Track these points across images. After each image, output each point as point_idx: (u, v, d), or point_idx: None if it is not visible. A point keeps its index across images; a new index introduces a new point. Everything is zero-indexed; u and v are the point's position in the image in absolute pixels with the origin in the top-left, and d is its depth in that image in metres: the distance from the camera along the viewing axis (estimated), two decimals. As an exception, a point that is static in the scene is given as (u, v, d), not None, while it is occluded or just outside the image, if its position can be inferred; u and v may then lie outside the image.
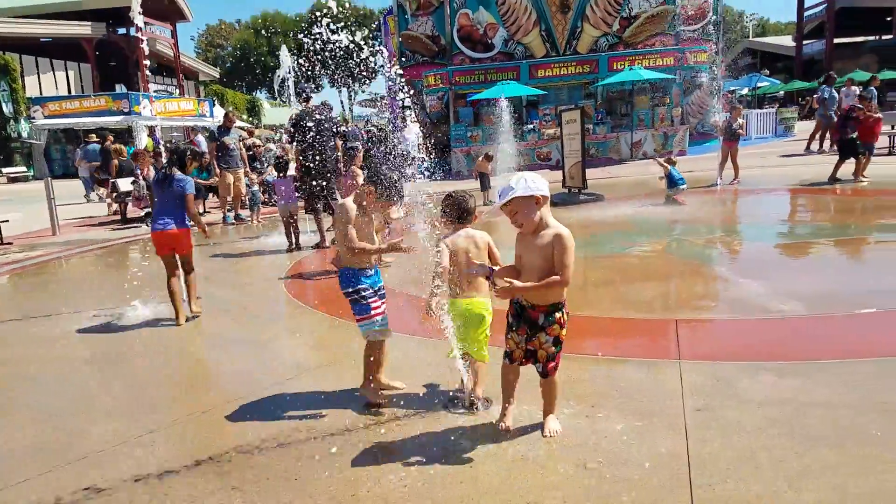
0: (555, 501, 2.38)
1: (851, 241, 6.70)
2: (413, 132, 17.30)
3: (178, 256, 5.32)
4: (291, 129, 8.16)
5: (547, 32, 19.11)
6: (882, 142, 14.61)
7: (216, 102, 34.81)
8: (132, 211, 12.29)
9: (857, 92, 14.03)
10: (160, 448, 3.07)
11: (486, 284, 3.10)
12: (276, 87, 10.29)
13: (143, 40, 15.14)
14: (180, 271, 5.37)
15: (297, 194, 8.40)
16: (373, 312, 3.34)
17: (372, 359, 3.37)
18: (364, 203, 3.29)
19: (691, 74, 18.93)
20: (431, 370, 3.70)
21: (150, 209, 9.43)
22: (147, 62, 24.82)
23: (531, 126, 17.94)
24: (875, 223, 7.53)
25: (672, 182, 9.42)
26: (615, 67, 18.14)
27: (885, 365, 3.34)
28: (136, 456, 3.00)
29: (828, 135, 15.04)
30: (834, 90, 15.21)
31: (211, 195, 13.65)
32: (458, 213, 3.22)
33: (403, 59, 20.11)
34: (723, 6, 20.25)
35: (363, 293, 3.32)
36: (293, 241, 8.39)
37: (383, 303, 3.41)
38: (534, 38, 19.15)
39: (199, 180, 13.29)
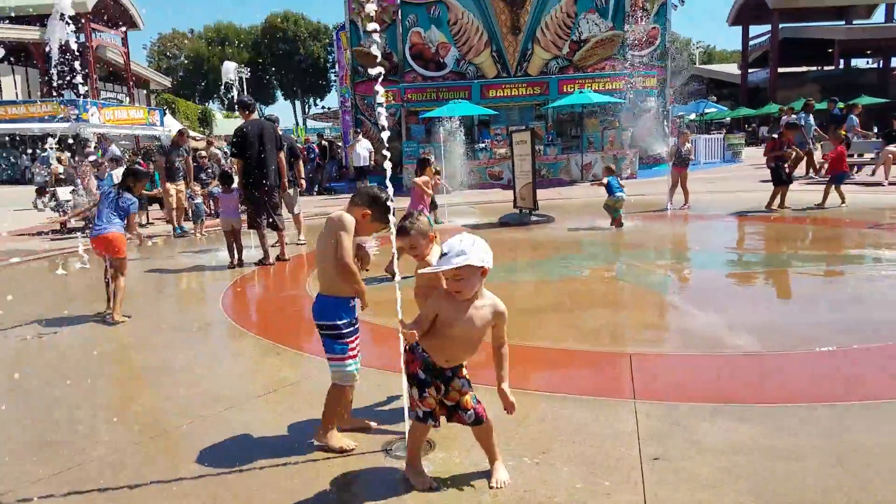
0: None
1: (802, 270, 6.67)
2: (364, 146, 17.03)
3: (108, 259, 5.64)
4: (235, 141, 7.77)
5: (498, 53, 19.17)
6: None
7: (167, 112, 33.76)
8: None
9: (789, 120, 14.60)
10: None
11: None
12: (224, 98, 10.00)
13: (92, 46, 14.51)
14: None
15: (240, 209, 8.06)
16: (348, 354, 2.94)
17: (337, 405, 2.99)
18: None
19: (640, 99, 19.26)
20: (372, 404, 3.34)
21: (88, 220, 9.28)
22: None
23: (483, 145, 17.87)
24: (824, 253, 7.55)
25: (610, 191, 9.35)
26: (565, 90, 18.30)
27: (849, 410, 3.15)
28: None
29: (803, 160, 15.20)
30: (811, 117, 15.60)
31: (153, 207, 13.12)
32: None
33: (357, 74, 19.85)
34: (671, 33, 20.76)
35: (342, 330, 2.91)
36: (235, 256, 8.01)
37: (357, 339, 3.02)
38: (485, 59, 19.18)
39: (145, 191, 12.67)
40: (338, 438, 2.97)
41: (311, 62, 59.78)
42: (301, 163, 9.87)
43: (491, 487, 2.58)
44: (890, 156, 13.20)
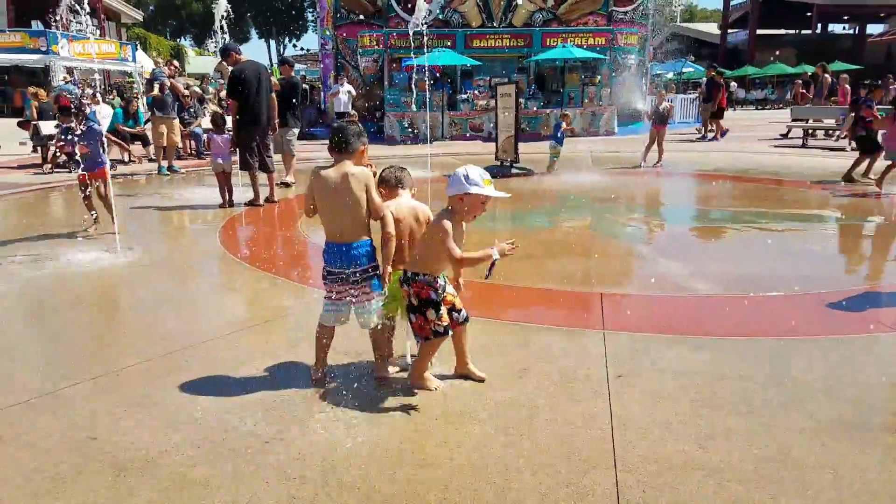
0: (500, 444, 2.54)
1: (763, 226, 7.21)
2: (345, 91, 16.99)
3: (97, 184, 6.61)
4: (232, 83, 7.91)
5: (483, 3, 19.06)
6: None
7: (139, 47, 32.63)
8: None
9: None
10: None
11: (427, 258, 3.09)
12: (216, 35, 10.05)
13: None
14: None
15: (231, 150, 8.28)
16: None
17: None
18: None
19: (621, 56, 19.46)
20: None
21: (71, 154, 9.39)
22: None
23: (465, 96, 17.97)
24: (789, 212, 8.07)
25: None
26: (548, 43, 18.37)
27: (787, 343, 3.69)
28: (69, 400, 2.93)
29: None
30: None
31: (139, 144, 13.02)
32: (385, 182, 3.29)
33: (339, 15, 19.57)
34: (654, -10, 20.81)
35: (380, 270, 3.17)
36: (227, 197, 8.26)
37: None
38: (470, 8, 19.06)
39: (125, 128, 12.62)
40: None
41: (287, 0, 57.85)
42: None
43: (482, 380, 3.19)
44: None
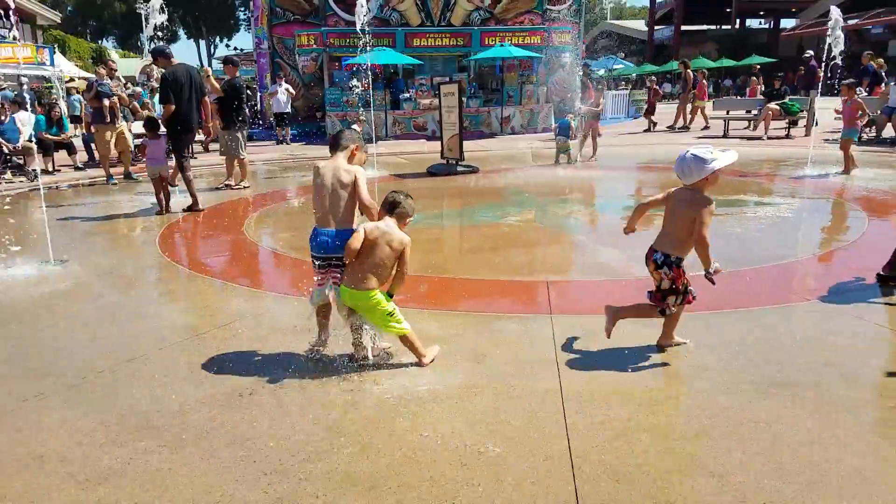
0: (465, 419, 2.78)
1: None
2: (283, 90, 16.86)
3: None
4: (164, 87, 7.81)
5: (422, 2, 19.26)
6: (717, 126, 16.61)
7: (57, 50, 31.16)
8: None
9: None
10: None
11: (374, 278, 3.25)
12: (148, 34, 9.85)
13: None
14: None
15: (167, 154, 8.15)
16: None
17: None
18: None
19: (556, 54, 20.05)
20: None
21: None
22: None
23: (407, 95, 18.14)
24: (723, 198, 8.63)
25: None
26: (487, 42, 18.74)
27: (719, 316, 4.10)
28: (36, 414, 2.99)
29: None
30: None
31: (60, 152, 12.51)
32: (389, 205, 3.37)
33: (275, 14, 19.38)
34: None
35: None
36: (164, 203, 8.08)
37: None
38: (409, 6, 19.23)
39: (48, 136, 12.16)
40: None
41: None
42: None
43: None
44: (770, 112, 14.74)
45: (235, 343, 3.86)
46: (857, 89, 9.97)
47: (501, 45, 17.96)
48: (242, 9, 56.91)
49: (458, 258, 6.13)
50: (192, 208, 8.08)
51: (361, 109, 14.37)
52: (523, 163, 10.86)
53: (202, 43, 62.87)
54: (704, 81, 17.88)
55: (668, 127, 17.63)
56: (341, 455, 2.64)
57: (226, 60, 9.66)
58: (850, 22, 10.31)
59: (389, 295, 3.36)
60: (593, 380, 3.26)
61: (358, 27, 10.28)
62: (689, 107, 17.56)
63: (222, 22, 59.97)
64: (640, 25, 53.44)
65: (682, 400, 3.03)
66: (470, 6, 19.56)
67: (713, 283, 3.31)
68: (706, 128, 17.04)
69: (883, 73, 15.28)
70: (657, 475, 2.43)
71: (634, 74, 39.85)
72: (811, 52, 22.37)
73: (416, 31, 18.96)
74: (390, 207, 3.37)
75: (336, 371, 3.42)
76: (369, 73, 12.88)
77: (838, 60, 9.61)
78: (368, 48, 12.25)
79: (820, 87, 13.77)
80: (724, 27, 50.17)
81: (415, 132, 17.62)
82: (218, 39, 63.82)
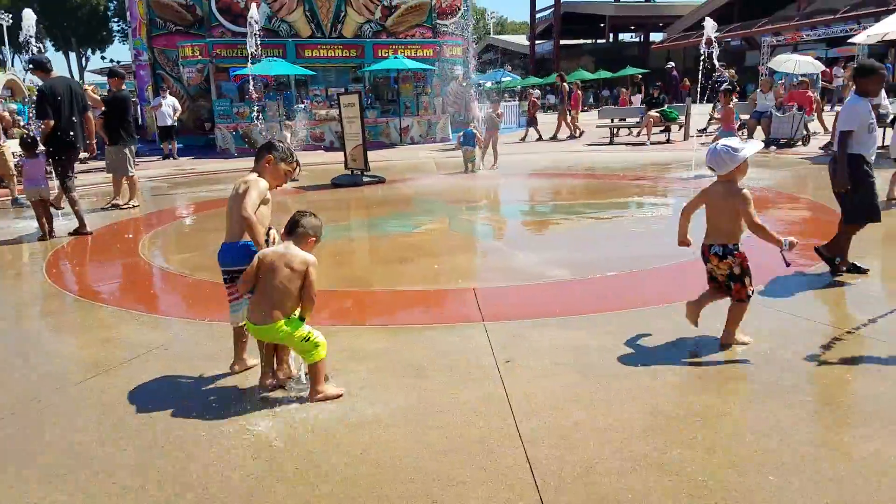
0: (400, 439, 2.67)
1: (592, 215, 8.05)
2: (170, 104, 15.94)
3: None
4: (41, 102, 7.13)
5: (311, 13, 18.95)
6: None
7: None
8: None
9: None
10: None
11: (278, 309, 3.01)
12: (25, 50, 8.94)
13: None
14: None
15: (48, 174, 7.45)
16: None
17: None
18: None
19: (448, 67, 20.40)
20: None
21: None
22: None
23: (302, 106, 17.72)
24: (611, 201, 9.06)
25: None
26: (380, 54, 18.76)
27: (636, 314, 4.24)
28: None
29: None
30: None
31: None
32: (288, 226, 3.16)
33: (155, 25, 18.32)
34: (472, 3, 22.08)
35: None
36: (47, 227, 7.39)
37: None
38: (298, 18, 18.86)
39: None
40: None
41: (88, 9, 52.33)
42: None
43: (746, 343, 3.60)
44: (650, 119, 15.79)
45: (146, 376, 3.52)
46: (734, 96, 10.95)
47: (395, 58, 18.04)
48: (116, 20, 53.32)
49: (380, 269, 5.99)
50: (80, 231, 7.45)
51: (259, 121, 13.88)
52: (428, 172, 10.91)
53: (72, 55, 58.15)
54: (579, 92, 18.90)
55: (550, 138, 18.29)
56: (289, 486, 2.45)
57: (111, 73, 9.05)
58: (714, 35, 11.21)
59: (301, 319, 3.13)
60: (536, 385, 3.24)
61: (250, 38, 9.90)
62: (569, 116, 18.38)
63: (94, 33, 55.79)
64: (521, 40, 55.66)
65: (622, 399, 3.08)
66: (361, 18, 19.50)
67: (788, 263, 3.52)
68: (575, 136, 17.88)
69: (735, 83, 16.86)
70: (610, 475, 2.46)
71: (519, 87, 41.29)
72: (672, 64, 24.31)
73: (309, 43, 18.64)
74: (289, 229, 3.14)
75: (268, 398, 3.20)
76: (258, 83, 12.48)
77: (719, 69, 10.46)
78: (259, 58, 11.88)
79: (695, 94, 14.91)
80: (599, 41, 53.36)
81: (312, 143, 17.23)
82: (90, 52, 59.37)
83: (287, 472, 2.56)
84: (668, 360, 3.48)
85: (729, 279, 3.54)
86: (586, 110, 35.40)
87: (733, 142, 3.53)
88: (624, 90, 22.61)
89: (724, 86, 10.84)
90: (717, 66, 10.50)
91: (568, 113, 18.25)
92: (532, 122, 18.77)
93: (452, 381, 3.33)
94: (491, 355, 3.64)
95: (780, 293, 4.49)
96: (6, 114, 11.40)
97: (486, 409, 3.01)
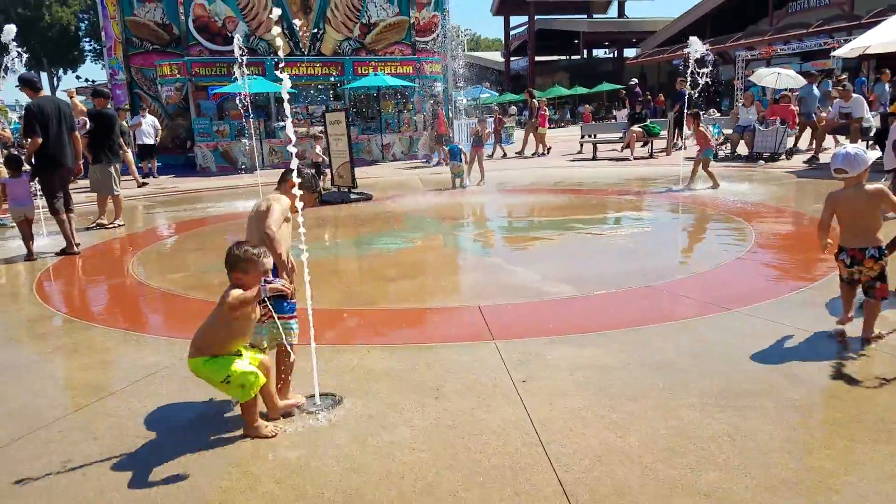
0: (429, 464, 2.59)
1: (588, 231, 8.06)
2: (149, 123, 15.71)
3: None
4: (30, 120, 6.98)
5: (290, 31, 18.90)
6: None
7: None
8: None
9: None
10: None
11: (195, 346, 2.93)
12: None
13: None
14: None
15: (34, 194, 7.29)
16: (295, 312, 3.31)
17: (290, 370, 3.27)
18: None
19: (429, 84, 20.48)
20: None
21: None
22: None
23: (283, 123, 17.58)
24: (605, 216, 9.09)
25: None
26: (360, 72, 18.75)
27: (650, 330, 4.20)
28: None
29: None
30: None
31: None
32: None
33: (131, 45, 18.10)
34: (448, 21, 22.24)
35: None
36: (32, 248, 7.22)
37: None
38: (277, 36, 18.77)
39: None
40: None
41: (58, 29, 51.46)
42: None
43: None
44: (634, 135, 15.97)
45: (156, 400, 3.39)
46: (701, 116, 11.17)
47: (375, 75, 18.05)
48: (88, 39, 52.55)
49: (382, 287, 5.87)
50: (67, 251, 7.29)
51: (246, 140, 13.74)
52: (415, 188, 10.87)
53: (44, 75, 57.03)
54: (545, 109, 19.13)
55: (516, 153, 18.38)
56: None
57: (95, 92, 8.94)
58: (687, 51, 11.47)
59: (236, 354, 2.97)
60: (557, 407, 3.16)
61: (236, 52, 9.82)
62: (540, 132, 18.48)
63: (65, 53, 54.84)
64: (496, 57, 56.21)
65: (645, 419, 3.03)
66: (339, 36, 19.51)
67: None
68: (542, 154, 18.06)
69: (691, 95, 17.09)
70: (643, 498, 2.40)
71: (496, 103, 41.61)
72: (636, 80, 24.74)
73: (288, 60, 18.52)
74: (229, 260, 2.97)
75: (286, 421, 3.09)
76: (245, 101, 12.34)
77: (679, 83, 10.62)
78: (243, 76, 11.78)
79: (683, 108, 15.05)
80: (573, 57, 54.12)
81: (295, 160, 17.08)
82: (62, 71, 58.32)
83: (309, 496, 2.46)
84: (688, 378, 3.45)
85: (874, 279, 3.75)
86: (563, 126, 35.97)
87: (859, 148, 3.78)
88: (587, 106, 22.96)
89: (692, 109, 11.10)
90: (688, 81, 10.71)
91: (535, 129, 18.39)
92: (498, 137, 18.87)
93: (472, 401, 3.26)
94: (506, 374, 3.57)
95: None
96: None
97: (510, 431, 2.93)
